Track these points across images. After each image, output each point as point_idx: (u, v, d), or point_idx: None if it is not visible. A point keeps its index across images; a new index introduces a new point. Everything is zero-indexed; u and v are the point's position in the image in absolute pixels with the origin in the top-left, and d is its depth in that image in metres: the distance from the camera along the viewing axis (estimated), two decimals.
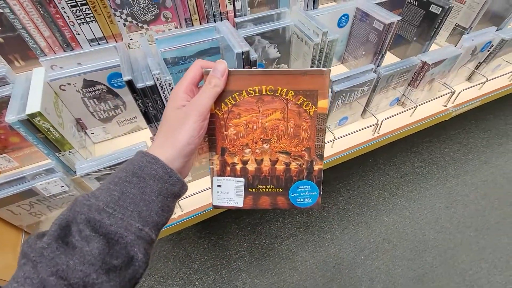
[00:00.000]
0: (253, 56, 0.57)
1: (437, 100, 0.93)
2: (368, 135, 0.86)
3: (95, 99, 0.59)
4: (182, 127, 0.30)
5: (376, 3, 0.75)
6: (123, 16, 0.64)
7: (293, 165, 0.36)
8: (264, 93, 0.34)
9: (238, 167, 0.36)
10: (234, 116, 0.34)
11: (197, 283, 1.23)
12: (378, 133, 0.86)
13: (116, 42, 0.59)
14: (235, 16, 0.66)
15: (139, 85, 0.50)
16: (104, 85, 0.57)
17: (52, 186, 0.54)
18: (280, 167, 0.36)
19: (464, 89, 0.92)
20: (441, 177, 1.55)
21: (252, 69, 0.36)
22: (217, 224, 1.40)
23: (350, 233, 1.36)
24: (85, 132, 0.63)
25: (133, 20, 0.65)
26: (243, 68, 0.57)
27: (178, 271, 1.25)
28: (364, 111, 0.87)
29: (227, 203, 0.37)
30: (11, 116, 0.44)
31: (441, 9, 0.72)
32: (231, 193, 0.36)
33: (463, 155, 1.64)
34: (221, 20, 0.66)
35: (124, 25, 0.65)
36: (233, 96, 0.34)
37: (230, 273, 1.25)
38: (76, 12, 0.52)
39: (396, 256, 1.30)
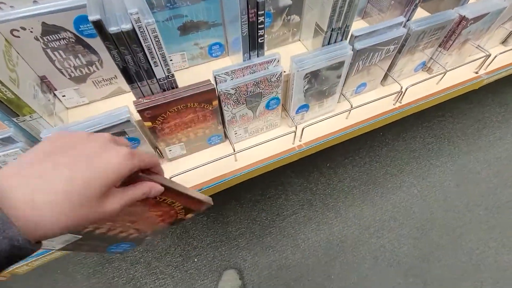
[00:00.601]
0: None
1: (468, 66, 0.80)
2: (389, 104, 0.74)
3: (61, 51, 0.46)
4: (89, 221, 0.23)
5: None
6: None
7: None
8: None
9: None
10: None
11: (195, 259, 1.18)
12: (400, 103, 0.75)
13: None
14: None
15: (112, 29, 0.38)
16: (71, 32, 0.45)
17: (13, 159, 0.44)
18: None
19: (501, 53, 0.79)
20: (452, 154, 1.46)
21: (172, 184, 0.33)
22: (217, 200, 1.34)
23: (355, 211, 1.30)
24: (54, 95, 0.51)
25: None
26: None
27: (176, 248, 1.20)
28: (386, 76, 0.75)
29: None
30: None
31: None
32: None
33: (476, 131, 1.54)
34: None
35: None
36: None
37: (230, 250, 1.20)
38: None
39: (402, 235, 1.25)
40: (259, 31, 0.49)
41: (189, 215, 0.39)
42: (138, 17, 0.38)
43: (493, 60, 0.79)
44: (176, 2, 0.50)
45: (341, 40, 0.61)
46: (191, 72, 0.63)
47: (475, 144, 1.50)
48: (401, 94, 0.71)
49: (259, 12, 0.46)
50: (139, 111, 0.47)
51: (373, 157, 1.45)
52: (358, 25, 0.75)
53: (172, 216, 0.37)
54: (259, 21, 0.47)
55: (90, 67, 0.50)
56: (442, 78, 0.77)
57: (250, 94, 0.56)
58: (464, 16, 0.66)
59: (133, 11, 0.37)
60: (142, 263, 1.17)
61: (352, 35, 0.59)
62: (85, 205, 0.21)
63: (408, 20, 0.65)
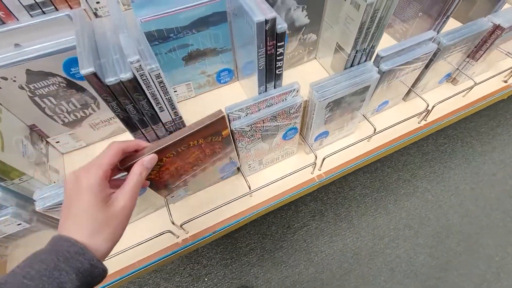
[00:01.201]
0: (281, 26, 0.37)
1: (496, 73, 0.74)
2: (413, 123, 0.68)
3: (51, 98, 0.40)
4: (108, 216, 0.29)
5: None
6: None
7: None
8: (180, 150, 0.40)
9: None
10: (163, 172, 0.42)
11: (206, 279, 1.14)
12: (426, 121, 0.68)
13: (71, 8, 0.39)
14: None
15: (110, 80, 0.31)
16: (61, 76, 0.38)
17: (4, 226, 0.38)
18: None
19: None
20: (466, 155, 1.41)
21: (164, 142, 0.36)
22: None
23: (368, 220, 1.25)
24: (47, 142, 0.45)
25: None
26: None
27: (185, 267, 1.16)
28: (409, 91, 0.69)
29: None
30: None
31: None
32: None
33: (490, 130, 1.49)
34: None
35: None
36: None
37: (241, 267, 1.16)
38: None
39: (418, 244, 1.21)
40: (277, 63, 0.43)
41: (225, 132, 0.42)
42: (140, 65, 0.32)
43: None
44: (180, 31, 0.43)
45: (365, 60, 0.55)
46: (199, 102, 0.57)
47: (489, 144, 1.44)
48: (427, 113, 0.65)
49: (278, 44, 0.39)
50: None
51: (384, 161, 1.40)
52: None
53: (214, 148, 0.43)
54: (278, 53, 0.41)
55: (85, 110, 0.44)
56: (469, 91, 0.71)
57: (267, 128, 0.50)
58: (499, 25, 0.59)
59: (134, 59, 0.31)
60: (151, 285, 1.13)
61: (377, 55, 0.52)
62: (100, 221, 0.28)
63: (437, 33, 0.58)
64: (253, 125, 0.47)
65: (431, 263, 1.17)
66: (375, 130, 0.61)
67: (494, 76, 0.70)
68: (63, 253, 0.25)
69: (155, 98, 0.37)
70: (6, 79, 0.35)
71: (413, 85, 0.67)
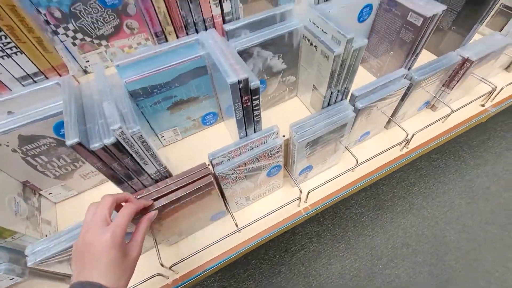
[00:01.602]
0: (254, 83, 0.40)
1: (473, 98, 0.77)
2: (395, 151, 0.71)
3: (42, 156, 0.43)
4: (127, 264, 0.35)
5: None
6: (70, 33, 0.46)
7: None
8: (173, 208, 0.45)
9: None
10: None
11: None
12: (407, 148, 0.71)
13: (60, 76, 0.42)
14: (224, 22, 0.48)
15: (94, 146, 0.34)
16: (51, 137, 0.41)
17: None
18: None
19: (507, 84, 0.76)
20: (459, 169, 1.43)
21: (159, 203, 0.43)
22: None
23: (365, 240, 1.25)
24: (40, 194, 0.48)
25: (85, 37, 0.48)
26: None
27: None
28: (389, 121, 0.72)
29: None
30: None
31: None
32: None
33: (481, 143, 1.51)
34: (206, 29, 0.48)
35: (74, 44, 0.48)
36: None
37: None
38: None
39: (417, 262, 1.20)
40: (255, 112, 0.46)
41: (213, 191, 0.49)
42: (122, 131, 0.35)
43: (499, 92, 0.76)
44: (163, 86, 0.46)
45: (341, 99, 0.58)
46: (185, 144, 0.59)
47: (481, 157, 1.46)
48: (407, 142, 0.68)
49: (253, 97, 0.42)
50: None
51: (378, 180, 1.41)
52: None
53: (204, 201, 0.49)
54: (254, 104, 0.44)
55: (75, 163, 0.46)
56: (448, 117, 0.73)
57: (250, 169, 0.52)
58: (468, 58, 0.63)
59: (116, 127, 0.34)
60: None
61: (352, 95, 0.56)
62: (123, 269, 0.34)
63: (409, 69, 0.62)
64: (235, 169, 0.50)
65: (431, 281, 1.16)
66: (357, 161, 0.63)
67: (470, 102, 0.73)
68: None
69: (139, 155, 0.39)
70: (0, 145, 0.38)
71: (393, 115, 0.70)
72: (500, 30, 0.68)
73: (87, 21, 0.45)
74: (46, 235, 0.45)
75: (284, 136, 0.56)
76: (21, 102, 0.39)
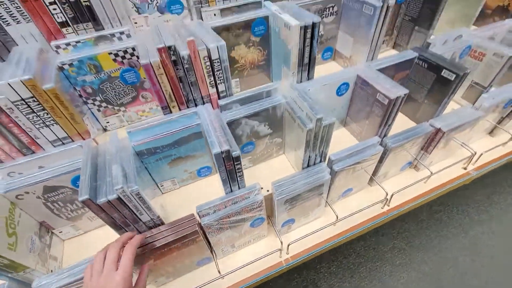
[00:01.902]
0: (235, 152, 0.49)
1: (455, 161, 0.81)
2: (377, 208, 0.75)
3: (59, 202, 0.52)
4: None
5: (379, 69, 0.67)
6: (97, 103, 0.59)
7: None
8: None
9: None
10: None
11: None
12: (389, 206, 0.75)
13: (84, 139, 0.53)
14: (219, 98, 0.59)
15: (101, 200, 0.43)
16: (69, 188, 0.51)
17: None
18: None
19: (486, 151, 0.81)
20: (463, 224, 1.40)
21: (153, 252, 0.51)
22: None
23: None
24: (52, 233, 0.56)
25: (108, 105, 0.60)
26: None
27: None
28: (371, 179, 0.77)
29: None
30: None
31: (455, 75, 0.63)
32: None
33: (486, 197, 1.49)
34: (203, 103, 0.59)
35: (99, 110, 0.60)
36: None
37: None
38: (33, 119, 0.47)
39: None
40: (237, 174, 0.54)
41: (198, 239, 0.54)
42: (123, 190, 0.43)
43: (480, 156, 0.81)
44: (165, 147, 0.56)
45: (320, 161, 0.65)
46: (182, 193, 0.68)
47: (486, 212, 1.44)
48: (386, 201, 0.72)
49: (235, 163, 0.51)
50: None
51: (378, 229, 1.41)
52: (340, 133, 0.79)
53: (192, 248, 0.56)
54: (236, 168, 0.52)
55: (85, 208, 0.55)
56: (429, 178, 0.78)
57: (233, 221, 0.59)
58: (440, 128, 0.69)
59: (118, 187, 0.43)
60: None
61: (329, 158, 0.63)
62: None
63: (384, 136, 0.69)
64: (220, 220, 0.57)
65: None
66: (337, 217, 0.68)
67: (451, 165, 0.78)
68: None
69: (136, 208, 0.48)
70: (28, 193, 0.48)
71: (374, 174, 0.75)
72: (473, 103, 0.75)
73: (111, 94, 0.57)
74: (52, 270, 0.53)
75: (268, 191, 0.63)
76: (50, 159, 0.49)
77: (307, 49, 0.60)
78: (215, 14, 0.61)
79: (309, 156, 0.62)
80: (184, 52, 0.48)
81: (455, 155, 0.86)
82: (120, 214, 0.48)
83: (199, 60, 0.50)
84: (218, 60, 0.52)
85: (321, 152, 0.62)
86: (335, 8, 0.72)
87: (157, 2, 0.64)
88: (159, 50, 0.46)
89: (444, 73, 0.65)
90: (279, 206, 0.61)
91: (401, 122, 0.83)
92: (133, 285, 0.43)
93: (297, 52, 0.59)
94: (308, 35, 0.57)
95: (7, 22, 0.51)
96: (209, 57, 0.51)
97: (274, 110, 0.61)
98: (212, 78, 0.54)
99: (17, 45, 0.54)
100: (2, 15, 0.50)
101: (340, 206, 0.72)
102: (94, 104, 0.57)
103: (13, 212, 0.48)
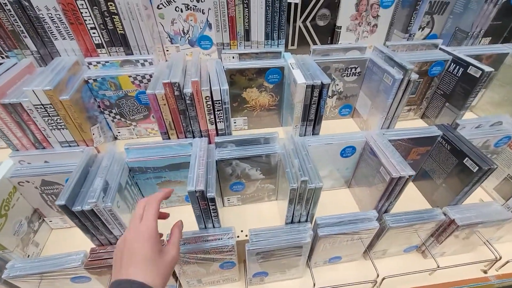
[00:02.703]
0: (210, 194, 0.49)
1: (473, 261, 0.70)
2: (366, 287, 0.67)
3: (53, 196, 0.58)
4: (164, 264, 0.38)
5: (393, 139, 0.62)
6: (112, 115, 0.65)
7: None
8: None
9: None
10: None
11: None
12: None
13: (87, 146, 0.59)
14: (217, 134, 0.61)
15: (75, 208, 0.46)
16: (62, 185, 0.56)
17: None
18: None
19: None
20: None
21: None
22: None
23: None
24: (43, 220, 0.62)
25: (121, 118, 0.66)
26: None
27: None
28: (366, 252, 0.70)
29: None
30: None
31: (477, 168, 0.55)
32: None
33: None
34: (201, 136, 0.61)
35: (113, 121, 0.66)
36: None
37: None
38: (47, 121, 0.54)
39: None
40: (212, 213, 0.53)
41: None
42: (96, 204, 0.46)
43: (506, 263, 0.68)
44: (156, 169, 0.59)
45: (306, 220, 0.61)
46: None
47: None
48: (375, 284, 0.64)
49: (210, 204, 0.51)
50: (89, 262, 0.52)
51: None
52: (342, 193, 0.74)
53: None
54: (211, 209, 0.52)
55: None
56: (435, 271, 0.68)
57: (201, 258, 0.58)
58: (454, 220, 0.61)
59: (92, 201, 0.46)
60: None
61: (315, 221, 0.59)
62: (158, 267, 0.37)
63: (385, 212, 0.63)
64: (187, 254, 0.56)
65: None
66: (314, 284, 0.63)
67: (466, 264, 0.67)
68: None
69: (108, 222, 0.50)
70: (28, 182, 0.54)
71: (369, 248, 0.68)
72: (507, 200, 0.65)
73: (125, 109, 0.63)
74: (29, 255, 0.57)
75: (246, 236, 0.61)
76: (55, 157, 0.56)
77: (314, 106, 0.59)
78: (233, 57, 0.64)
79: (293, 214, 0.59)
80: (187, 90, 0.51)
81: (477, 252, 0.74)
82: (92, 224, 0.50)
83: (201, 99, 0.53)
84: (220, 101, 0.54)
85: (308, 211, 0.59)
86: (358, 70, 0.70)
87: (189, 36, 0.70)
88: (164, 84, 0.50)
89: (467, 162, 0.58)
90: (249, 255, 0.59)
91: (414, 198, 0.75)
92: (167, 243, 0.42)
93: (301, 108, 0.58)
94: (316, 94, 0.57)
95: (55, 37, 0.61)
96: (211, 97, 0.53)
97: (269, 158, 0.60)
98: (212, 116, 0.56)
99: (60, 55, 0.64)
100: (53, 32, 0.60)
101: (323, 272, 0.67)
102: (109, 115, 0.64)
103: (12, 195, 0.54)
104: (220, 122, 0.57)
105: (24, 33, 0.59)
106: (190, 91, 0.51)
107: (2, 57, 0.67)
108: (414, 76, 0.58)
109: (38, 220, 0.61)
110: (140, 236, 0.37)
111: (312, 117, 0.61)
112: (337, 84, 0.72)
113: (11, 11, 0.56)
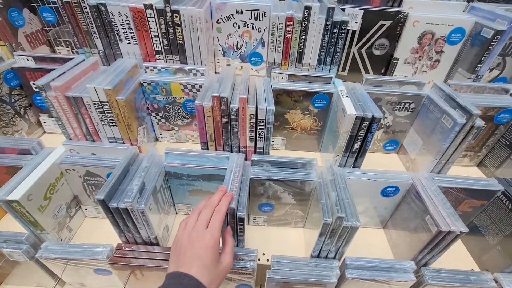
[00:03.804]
0: (240, 213, 0.48)
1: None
2: None
3: (93, 186, 0.61)
4: (220, 270, 0.42)
5: (443, 186, 0.56)
6: (158, 117, 0.67)
7: None
8: None
9: None
10: None
11: None
12: None
13: (131, 145, 0.61)
14: (254, 152, 0.60)
15: (111, 204, 0.48)
16: (103, 178, 0.59)
17: (16, 255, 0.55)
18: None
19: None
20: None
21: None
22: None
23: None
24: (80, 207, 0.65)
25: (165, 122, 0.68)
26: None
27: None
28: None
29: None
30: (0, 193, 0.48)
31: None
32: None
33: None
34: (239, 151, 0.60)
35: (157, 123, 0.68)
36: None
37: None
38: (101, 117, 0.57)
39: None
40: (239, 233, 0.52)
41: None
42: (131, 204, 0.47)
43: None
44: (190, 177, 0.59)
45: (334, 257, 0.57)
46: None
47: None
48: None
49: (239, 223, 0.50)
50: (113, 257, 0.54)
51: None
52: (374, 235, 0.69)
53: None
54: (239, 228, 0.51)
55: None
56: None
57: None
58: None
59: (128, 201, 0.47)
60: None
61: (344, 261, 0.55)
62: (216, 273, 0.40)
63: (425, 264, 0.57)
64: None
65: None
66: None
67: None
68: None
69: (138, 222, 0.51)
70: (74, 170, 0.57)
71: None
72: None
73: (171, 114, 0.65)
74: (62, 239, 0.60)
75: (268, 260, 0.59)
76: (102, 150, 0.59)
77: (359, 138, 0.56)
78: (282, 77, 0.63)
79: (321, 248, 0.55)
80: (234, 105, 0.51)
81: None
82: (124, 221, 0.52)
83: (246, 116, 0.53)
84: (264, 120, 0.53)
85: (338, 248, 0.55)
86: (412, 105, 0.65)
87: (241, 51, 0.71)
88: (213, 97, 0.50)
89: None
90: (269, 282, 0.56)
91: (458, 254, 0.67)
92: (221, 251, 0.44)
93: (346, 139, 0.56)
94: (365, 126, 0.53)
95: (122, 41, 0.66)
96: (256, 115, 0.53)
97: (303, 184, 0.58)
98: (253, 133, 0.55)
99: (122, 57, 0.68)
100: (120, 35, 0.65)
101: None
102: (156, 117, 0.67)
103: (58, 180, 0.58)
104: (260, 140, 0.56)
105: (95, 33, 0.65)
106: (236, 107, 0.51)
107: (73, 52, 0.74)
108: (479, 123, 0.52)
109: (76, 206, 0.64)
110: (206, 244, 0.40)
111: (356, 149, 0.57)
112: (386, 117, 0.68)
113: (88, 14, 0.62)
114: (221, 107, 0.51)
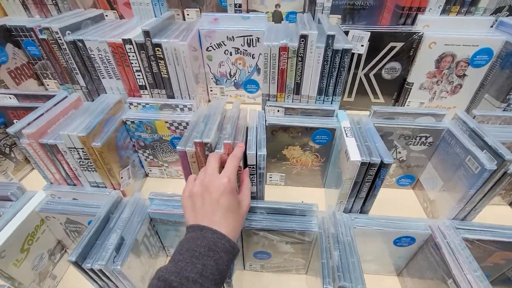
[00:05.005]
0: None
1: None
2: None
3: (76, 233, 0.57)
4: (241, 214, 0.40)
5: (468, 238, 0.48)
6: (145, 154, 0.63)
7: None
8: None
9: None
10: None
11: None
12: None
13: (114, 189, 0.57)
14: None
15: (86, 265, 0.44)
16: (85, 226, 0.55)
17: None
18: None
19: None
20: None
21: None
22: None
23: None
24: (66, 251, 0.62)
25: (154, 158, 0.64)
26: None
27: None
28: None
29: None
30: None
31: None
32: None
33: None
34: None
35: (145, 160, 0.64)
36: None
37: None
38: (79, 162, 0.53)
39: None
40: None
41: None
42: (105, 266, 0.42)
43: None
44: (176, 222, 0.54)
45: None
46: None
47: None
48: None
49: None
50: None
51: None
52: (388, 282, 0.60)
53: None
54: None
55: None
56: None
57: None
58: None
59: (102, 263, 0.42)
60: None
61: None
62: (237, 219, 0.39)
63: None
64: None
65: None
66: None
67: None
68: (211, 239, 0.34)
69: (116, 280, 0.46)
70: (54, 217, 0.54)
71: None
72: None
73: (159, 151, 0.61)
74: None
75: None
76: (83, 196, 0.55)
77: (366, 185, 0.48)
78: (278, 110, 0.57)
79: None
80: (219, 151, 0.45)
81: None
82: (102, 280, 0.47)
83: None
84: (254, 166, 0.47)
85: None
86: (430, 139, 0.56)
87: (235, 79, 0.65)
88: (196, 143, 0.45)
89: None
90: None
91: None
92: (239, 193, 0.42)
93: (350, 185, 0.48)
94: (372, 173, 0.46)
95: (103, 76, 0.62)
96: (245, 161, 0.47)
97: (303, 235, 0.51)
98: None
99: (106, 93, 0.65)
100: (101, 71, 0.62)
101: None
102: (143, 154, 0.62)
103: (38, 228, 0.55)
104: (252, 185, 0.50)
105: (76, 70, 0.62)
106: (221, 153, 0.45)
107: (61, 84, 0.71)
108: None
109: (61, 251, 0.61)
110: (223, 188, 0.37)
111: (363, 194, 0.50)
112: (399, 152, 0.60)
113: (66, 50, 0.59)
114: (205, 153, 0.46)
